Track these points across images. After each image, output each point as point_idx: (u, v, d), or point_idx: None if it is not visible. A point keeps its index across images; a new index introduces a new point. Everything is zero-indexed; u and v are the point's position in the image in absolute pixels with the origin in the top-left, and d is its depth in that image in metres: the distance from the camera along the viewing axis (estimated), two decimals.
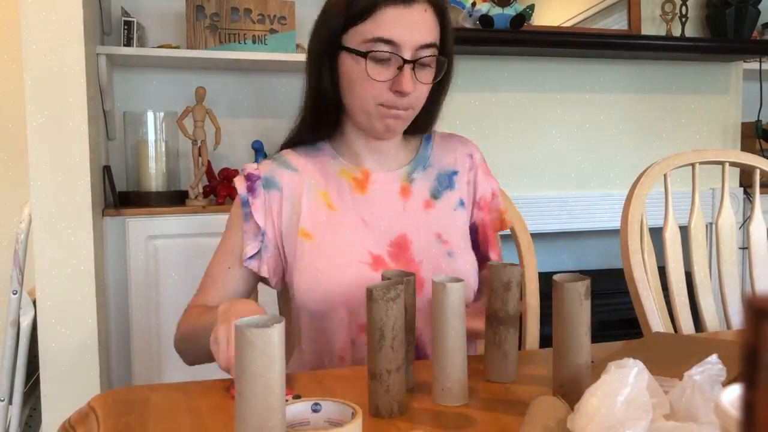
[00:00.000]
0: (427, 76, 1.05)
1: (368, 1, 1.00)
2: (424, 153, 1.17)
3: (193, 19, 2.29)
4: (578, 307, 0.80)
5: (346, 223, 1.09)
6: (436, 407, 0.83)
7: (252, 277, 1.12)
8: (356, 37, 1.02)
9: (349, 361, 1.09)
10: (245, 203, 1.09)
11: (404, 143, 1.17)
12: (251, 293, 1.16)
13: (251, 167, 1.12)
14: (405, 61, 1.00)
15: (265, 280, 1.13)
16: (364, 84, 1.02)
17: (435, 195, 1.14)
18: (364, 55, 1.00)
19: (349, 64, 1.03)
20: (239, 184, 1.11)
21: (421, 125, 1.14)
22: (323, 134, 1.13)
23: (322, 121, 1.11)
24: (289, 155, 1.14)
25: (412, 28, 1.00)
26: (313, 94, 1.09)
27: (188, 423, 0.79)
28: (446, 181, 1.16)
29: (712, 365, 0.70)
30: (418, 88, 1.03)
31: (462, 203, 1.16)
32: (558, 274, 0.83)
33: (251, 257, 1.09)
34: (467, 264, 1.12)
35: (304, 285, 1.07)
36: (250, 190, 1.10)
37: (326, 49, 1.05)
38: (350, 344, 1.08)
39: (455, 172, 1.17)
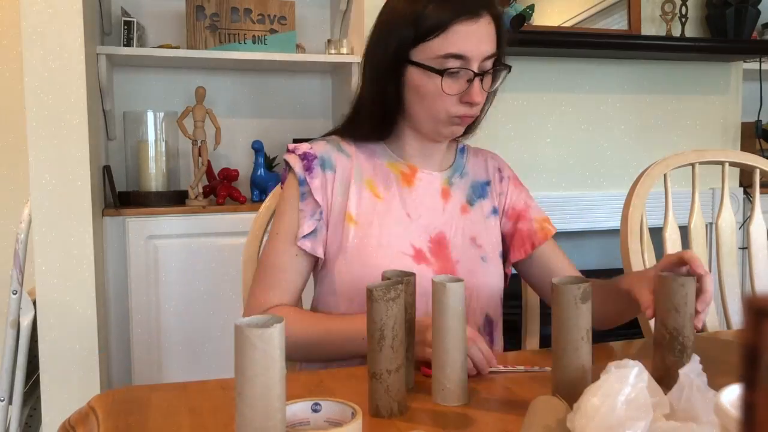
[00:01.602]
0: (489, 83, 1.09)
1: (440, 18, 1.03)
2: (460, 162, 1.21)
3: (193, 19, 2.29)
4: (575, 311, 0.80)
5: (391, 213, 1.11)
6: (436, 407, 0.83)
7: (311, 259, 1.11)
8: (426, 52, 1.04)
9: None
10: (302, 182, 1.10)
11: (446, 149, 1.20)
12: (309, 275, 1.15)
13: (303, 146, 1.13)
14: (475, 75, 1.04)
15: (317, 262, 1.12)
16: (437, 97, 1.05)
17: (470, 202, 1.17)
18: (441, 72, 1.03)
19: (418, 78, 1.06)
20: (295, 162, 1.11)
21: (467, 129, 1.17)
22: (381, 136, 1.15)
23: (382, 126, 1.13)
24: (341, 141, 1.15)
25: (480, 42, 1.04)
26: (377, 102, 1.11)
27: (188, 423, 0.79)
28: (479, 190, 1.19)
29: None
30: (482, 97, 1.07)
31: (495, 211, 1.19)
32: (557, 277, 0.83)
33: (306, 237, 1.08)
34: (497, 272, 1.16)
35: (346, 270, 1.08)
36: (307, 169, 1.10)
37: (393, 61, 1.07)
38: None
39: (488, 183, 1.21)
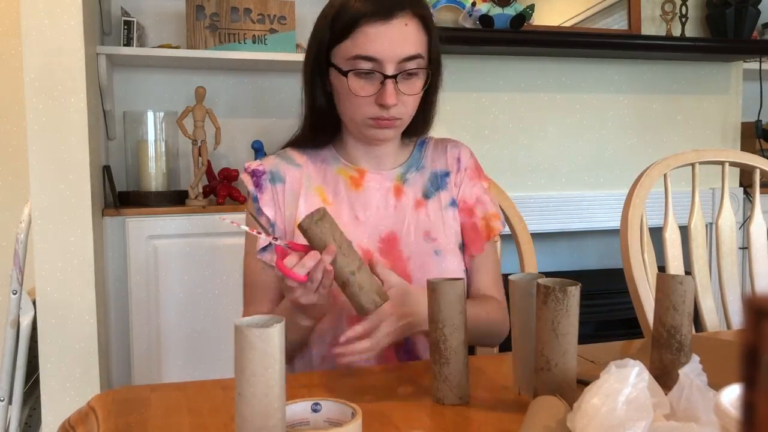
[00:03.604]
0: (413, 86, 1.07)
1: (349, 19, 1.03)
2: (417, 156, 1.20)
3: (193, 19, 2.29)
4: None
5: (340, 217, 1.12)
6: (436, 407, 0.83)
7: None
8: (340, 54, 1.05)
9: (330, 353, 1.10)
10: (255, 199, 1.13)
11: (400, 146, 1.20)
12: None
13: (254, 164, 1.16)
14: (386, 77, 1.03)
15: None
16: (350, 99, 1.06)
17: (426, 195, 1.17)
18: (345, 73, 1.04)
19: (335, 80, 1.08)
20: (247, 181, 1.14)
21: (419, 127, 1.17)
22: (323, 141, 1.17)
23: (321, 130, 1.15)
24: (292, 153, 1.18)
25: (392, 44, 1.02)
26: (310, 107, 1.13)
27: (188, 423, 0.79)
28: (438, 181, 1.18)
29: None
30: (403, 99, 1.06)
31: (453, 202, 1.18)
32: (544, 278, 0.84)
33: (264, 250, 1.11)
34: (454, 263, 1.14)
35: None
36: (257, 185, 1.13)
37: (317, 65, 1.09)
38: (336, 337, 1.09)
39: (447, 173, 1.19)
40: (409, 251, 1.11)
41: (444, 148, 1.21)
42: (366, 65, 1.03)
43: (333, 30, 1.05)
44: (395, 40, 1.02)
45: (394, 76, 1.03)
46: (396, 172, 1.17)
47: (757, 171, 1.44)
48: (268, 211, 1.12)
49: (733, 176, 2.69)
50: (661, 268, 1.34)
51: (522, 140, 2.50)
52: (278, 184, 1.14)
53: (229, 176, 2.34)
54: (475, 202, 1.19)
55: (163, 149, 2.29)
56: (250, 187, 1.13)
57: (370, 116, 1.06)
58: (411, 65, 1.04)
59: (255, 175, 1.14)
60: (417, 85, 1.07)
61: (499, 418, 0.79)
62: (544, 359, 0.79)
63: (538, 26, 2.46)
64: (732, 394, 0.46)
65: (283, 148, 1.20)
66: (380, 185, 1.15)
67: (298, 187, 1.14)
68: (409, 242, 1.12)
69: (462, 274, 1.15)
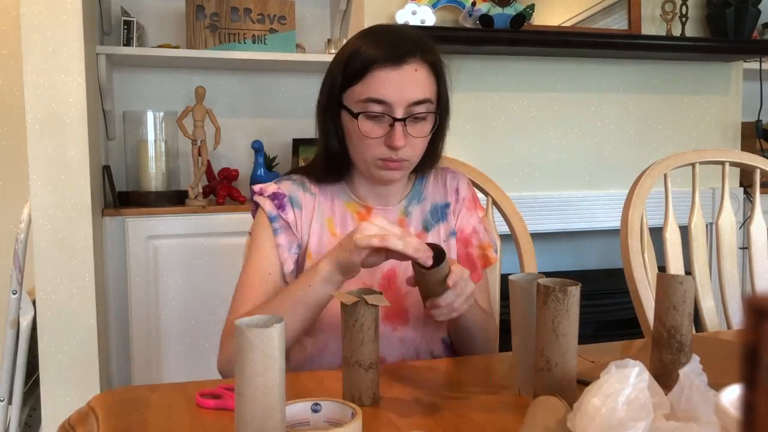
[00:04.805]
0: (422, 129, 1.09)
1: (361, 63, 1.05)
2: (418, 188, 1.22)
3: (193, 18, 2.29)
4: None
5: None
6: (437, 407, 0.83)
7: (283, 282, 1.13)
8: (352, 97, 1.08)
9: None
10: (274, 219, 1.13)
11: (404, 181, 1.21)
12: None
13: (272, 187, 1.16)
14: (395, 120, 1.05)
15: None
16: (361, 140, 1.08)
17: (427, 227, 1.19)
18: (356, 115, 1.06)
19: (346, 121, 1.10)
20: (265, 204, 1.14)
21: (424, 168, 1.19)
22: (335, 179, 1.18)
23: (334, 171, 1.16)
24: (306, 180, 1.19)
25: (402, 88, 1.05)
26: (324, 149, 1.14)
27: (188, 423, 0.79)
28: (439, 213, 1.20)
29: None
30: (411, 141, 1.08)
31: (453, 233, 1.20)
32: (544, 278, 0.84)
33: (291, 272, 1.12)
34: None
35: None
36: (280, 207, 1.13)
37: (329, 107, 1.11)
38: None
39: (447, 205, 1.21)
40: (406, 287, 1.12)
41: (444, 179, 1.23)
42: (376, 108, 1.05)
43: (345, 73, 1.07)
44: (405, 84, 1.05)
45: (403, 120, 1.05)
46: (400, 206, 1.19)
47: (758, 171, 1.44)
48: (296, 229, 1.13)
49: (733, 176, 2.69)
50: (661, 268, 1.34)
51: (522, 140, 2.50)
52: (296, 209, 1.14)
53: (229, 176, 2.34)
54: (472, 232, 1.21)
55: (163, 149, 2.29)
56: (269, 209, 1.13)
57: (379, 157, 1.08)
58: (419, 109, 1.06)
59: (277, 197, 1.14)
60: (425, 128, 1.09)
61: (499, 418, 0.79)
62: (544, 359, 0.79)
63: (538, 26, 2.46)
64: (732, 394, 0.46)
65: (294, 172, 1.21)
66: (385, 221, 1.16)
67: (311, 215, 1.15)
68: (407, 278, 1.12)
69: None
